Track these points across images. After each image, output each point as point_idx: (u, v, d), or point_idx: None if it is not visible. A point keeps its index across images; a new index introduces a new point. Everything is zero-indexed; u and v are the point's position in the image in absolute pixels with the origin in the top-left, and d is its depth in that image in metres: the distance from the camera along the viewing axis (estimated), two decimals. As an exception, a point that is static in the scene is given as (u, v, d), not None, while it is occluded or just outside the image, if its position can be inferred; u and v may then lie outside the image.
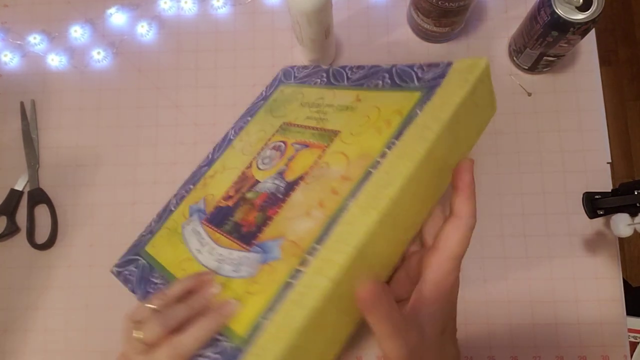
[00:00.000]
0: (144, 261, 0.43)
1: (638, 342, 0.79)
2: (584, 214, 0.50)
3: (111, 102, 0.61)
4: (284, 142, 0.42)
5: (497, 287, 0.54)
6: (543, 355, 0.53)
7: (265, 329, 0.29)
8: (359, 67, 0.42)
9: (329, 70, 0.45)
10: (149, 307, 0.34)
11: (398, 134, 0.33)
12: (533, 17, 0.51)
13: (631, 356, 0.78)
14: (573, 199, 0.55)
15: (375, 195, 0.30)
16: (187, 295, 0.35)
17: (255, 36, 0.62)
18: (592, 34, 0.57)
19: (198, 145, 0.59)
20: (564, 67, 0.59)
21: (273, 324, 0.29)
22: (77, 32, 0.63)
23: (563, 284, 0.54)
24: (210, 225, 0.40)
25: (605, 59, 1.40)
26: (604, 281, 0.54)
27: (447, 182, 0.33)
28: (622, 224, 0.46)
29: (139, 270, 0.42)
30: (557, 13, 0.48)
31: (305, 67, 0.49)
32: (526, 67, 0.58)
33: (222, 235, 0.38)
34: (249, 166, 0.43)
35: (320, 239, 0.31)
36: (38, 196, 0.58)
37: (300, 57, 0.60)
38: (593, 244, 0.55)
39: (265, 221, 0.36)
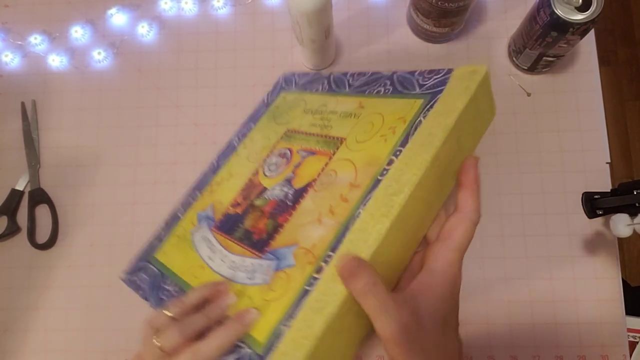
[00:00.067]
0: (154, 268, 0.43)
1: (637, 342, 0.79)
2: (583, 214, 0.50)
3: (111, 103, 0.61)
4: (289, 149, 0.42)
5: (497, 287, 0.54)
6: (543, 354, 0.53)
7: (285, 335, 0.30)
8: (360, 74, 0.43)
9: (330, 76, 0.46)
10: (167, 315, 0.34)
11: (403, 141, 0.34)
12: (532, 17, 0.51)
13: (630, 356, 0.78)
14: (572, 199, 0.55)
15: (386, 203, 0.31)
16: (203, 303, 0.35)
17: (255, 36, 0.62)
18: (591, 34, 0.58)
19: (198, 146, 0.59)
20: (564, 67, 0.59)
21: (293, 331, 0.30)
22: (78, 33, 0.63)
23: (562, 284, 0.54)
24: (220, 233, 0.41)
25: (605, 59, 1.40)
26: (604, 281, 0.54)
27: (451, 186, 0.34)
28: (622, 224, 0.46)
29: (150, 278, 0.42)
30: (556, 13, 0.48)
31: (305, 74, 0.50)
32: (526, 68, 0.58)
33: (234, 242, 0.39)
34: (256, 173, 0.43)
35: (333, 247, 0.32)
36: (39, 196, 0.59)
37: (300, 57, 0.60)
38: (592, 244, 0.55)
39: (276, 228, 0.37)
